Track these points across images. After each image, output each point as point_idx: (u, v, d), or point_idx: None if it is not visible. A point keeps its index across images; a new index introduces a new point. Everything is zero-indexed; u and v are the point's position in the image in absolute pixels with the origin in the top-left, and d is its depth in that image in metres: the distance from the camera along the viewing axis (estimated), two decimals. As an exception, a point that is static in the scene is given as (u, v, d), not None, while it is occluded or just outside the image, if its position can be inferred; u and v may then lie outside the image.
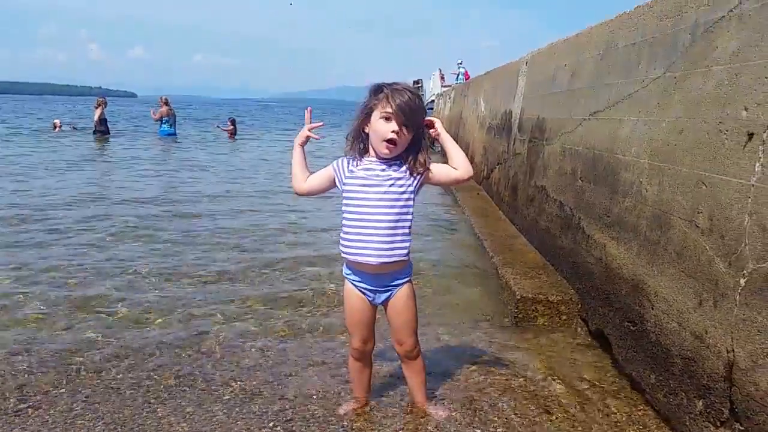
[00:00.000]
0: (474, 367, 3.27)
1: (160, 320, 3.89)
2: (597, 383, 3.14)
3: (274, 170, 12.81)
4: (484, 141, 9.79)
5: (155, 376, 3.09)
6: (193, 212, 7.71)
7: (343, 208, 2.53)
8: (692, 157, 2.70)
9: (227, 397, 2.92)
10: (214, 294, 4.45)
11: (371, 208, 2.44)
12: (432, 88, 35.27)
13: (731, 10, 2.53)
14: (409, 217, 2.50)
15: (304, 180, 2.60)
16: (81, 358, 3.28)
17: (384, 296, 2.57)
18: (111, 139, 19.27)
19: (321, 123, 2.65)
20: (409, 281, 2.62)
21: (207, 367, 3.25)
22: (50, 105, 62.01)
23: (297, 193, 2.66)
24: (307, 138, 2.59)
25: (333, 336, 3.68)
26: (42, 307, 4.04)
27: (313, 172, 2.62)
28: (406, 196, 2.47)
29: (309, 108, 2.66)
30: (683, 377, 2.60)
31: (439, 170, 2.54)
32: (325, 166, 2.60)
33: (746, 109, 2.32)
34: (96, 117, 20.11)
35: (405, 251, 2.51)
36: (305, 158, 2.61)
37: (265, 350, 3.48)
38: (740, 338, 2.21)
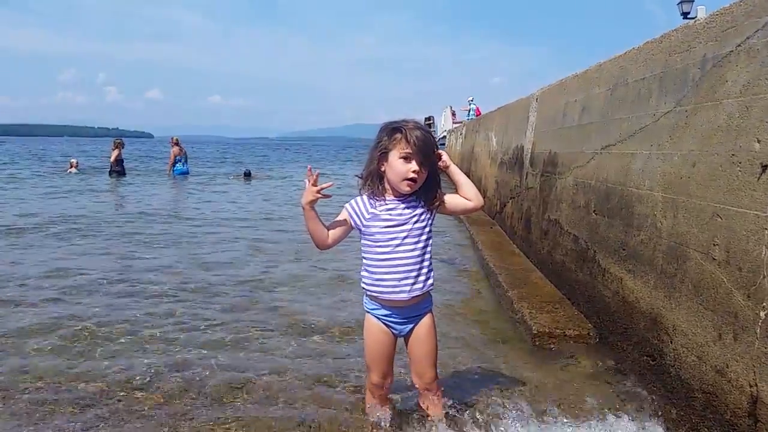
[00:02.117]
0: (492, 399, 3.24)
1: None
2: (617, 417, 3.08)
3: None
4: (497, 175, 9.84)
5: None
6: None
7: (366, 248, 2.56)
8: (706, 189, 2.70)
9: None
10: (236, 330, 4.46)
11: (399, 246, 2.49)
12: (443, 125, 35.66)
13: (739, 45, 2.57)
14: (431, 248, 2.58)
15: (326, 236, 2.57)
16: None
17: (409, 327, 2.61)
18: (127, 180, 19.56)
19: (330, 183, 2.54)
20: (431, 311, 2.65)
21: (218, 399, 3.25)
22: (65, 147, 62.94)
23: (322, 249, 2.66)
24: (316, 199, 2.49)
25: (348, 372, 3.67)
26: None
27: (330, 224, 2.59)
28: (427, 229, 2.55)
29: (310, 167, 2.54)
30: (705, 413, 2.55)
31: (452, 201, 2.61)
32: (339, 210, 2.61)
33: (759, 141, 2.33)
34: (113, 158, 20.45)
35: (432, 281, 2.58)
36: (318, 215, 2.54)
37: (279, 380, 3.48)
38: (763, 372, 2.17)
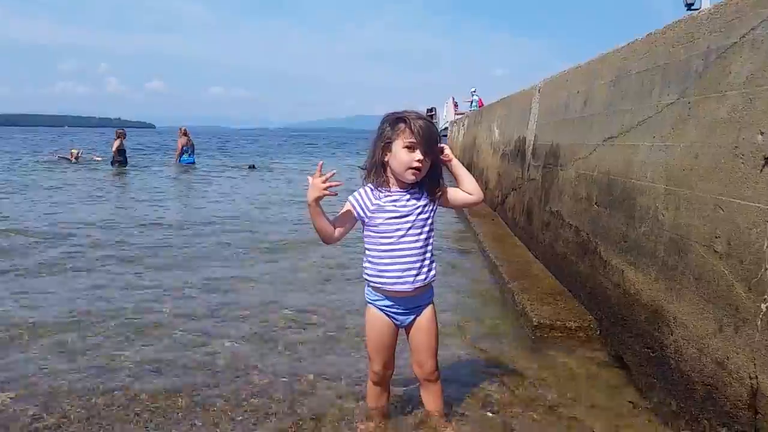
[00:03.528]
0: (493, 390, 3.25)
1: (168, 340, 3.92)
2: (617, 409, 3.09)
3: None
4: (498, 167, 9.82)
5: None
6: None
7: (369, 239, 2.56)
8: (708, 181, 2.70)
9: (240, 417, 2.94)
10: (225, 309, 4.47)
11: (403, 237, 2.50)
12: (446, 116, 35.59)
13: (743, 36, 2.55)
14: (433, 239, 2.59)
15: (333, 231, 2.56)
16: (99, 380, 3.30)
17: (411, 317, 2.62)
18: (130, 170, 19.58)
19: (334, 173, 2.49)
20: (433, 302, 2.66)
21: (220, 386, 3.28)
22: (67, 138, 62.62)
23: (328, 244, 2.65)
24: (322, 196, 2.45)
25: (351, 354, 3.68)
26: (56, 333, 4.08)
27: (335, 219, 2.58)
28: (430, 220, 2.57)
29: (321, 163, 2.52)
30: (705, 404, 2.56)
31: (453, 194, 2.64)
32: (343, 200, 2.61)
33: (762, 133, 2.32)
34: (114, 148, 20.55)
35: (434, 272, 2.60)
36: (323, 211, 2.51)
37: (279, 368, 3.50)
38: (763, 365, 2.18)
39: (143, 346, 3.92)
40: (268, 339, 4.09)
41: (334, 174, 2.47)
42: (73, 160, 21.94)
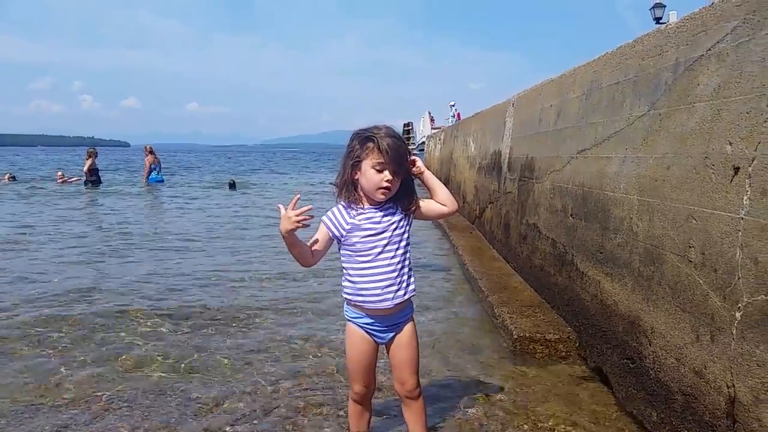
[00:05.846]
0: (474, 405, 3.23)
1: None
2: (598, 420, 3.09)
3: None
4: (475, 180, 9.87)
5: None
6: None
7: (346, 257, 2.53)
8: (681, 192, 2.73)
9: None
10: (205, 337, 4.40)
11: (380, 255, 2.48)
12: (422, 130, 35.81)
13: (709, 49, 2.60)
14: (410, 253, 2.57)
15: (311, 256, 2.51)
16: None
17: (391, 334, 2.60)
18: (102, 188, 19.34)
19: (309, 207, 2.42)
20: (413, 317, 2.66)
21: (197, 413, 3.20)
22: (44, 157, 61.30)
23: (307, 267, 2.61)
24: (295, 228, 2.38)
25: (330, 377, 3.63)
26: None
27: (311, 243, 2.53)
28: (406, 235, 2.55)
29: (298, 196, 2.46)
30: (685, 414, 2.57)
31: (427, 206, 2.62)
32: (318, 220, 2.58)
33: (730, 144, 2.36)
34: (86, 167, 20.27)
35: (413, 286, 2.58)
36: (297, 239, 2.44)
37: (258, 393, 3.43)
38: (740, 373, 2.19)
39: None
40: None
41: (309, 209, 2.42)
42: (60, 181, 21.64)
